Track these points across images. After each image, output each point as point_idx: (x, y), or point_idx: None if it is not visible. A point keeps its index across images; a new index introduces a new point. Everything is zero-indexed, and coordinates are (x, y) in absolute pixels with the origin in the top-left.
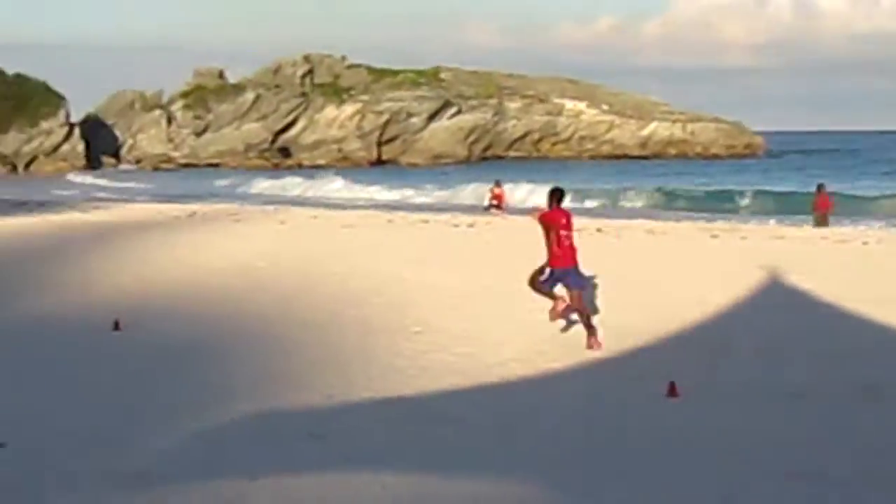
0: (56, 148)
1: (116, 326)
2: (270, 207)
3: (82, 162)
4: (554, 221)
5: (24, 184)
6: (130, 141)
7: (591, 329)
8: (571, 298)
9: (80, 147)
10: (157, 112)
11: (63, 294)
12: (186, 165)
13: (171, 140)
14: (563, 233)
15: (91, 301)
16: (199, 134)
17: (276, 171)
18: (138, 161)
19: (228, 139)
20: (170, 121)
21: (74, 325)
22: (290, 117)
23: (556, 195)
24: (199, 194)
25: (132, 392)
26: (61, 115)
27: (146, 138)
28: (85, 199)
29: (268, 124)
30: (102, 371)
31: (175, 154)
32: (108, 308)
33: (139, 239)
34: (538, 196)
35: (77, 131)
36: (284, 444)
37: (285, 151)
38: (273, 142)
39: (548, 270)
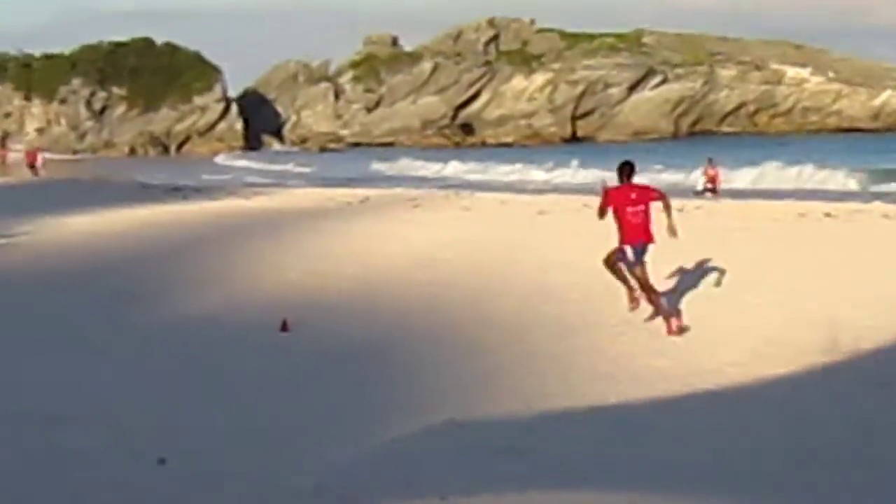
0: (211, 126)
1: (284, 327)
2: (452, 192)
3: (240, 142)
4: (620, 199)
5: (175, 167)
6: (294, 118)
7: (663, 311)
8: (635, 275)
9: (238, 125)
10: (324, 85)
11: (225, 290)
12: (356, 145)
13: (339, 116)
14: (629, 209)
15: (256, 298)
16: (370, 109)
17: (457, 150)
18: (303, 140)
19: (403, 115)
20: (338, 95)
21: (238, 326)
22: (473, 90)
23: (626, 170)
24: (371, 178)
25: (303, 400)
26: (217, 89)
27: (311, 115)
28: (244, 184)
29: (447, 98)
30: (270, 376)
31: (344, 132)
32: (275, 306)
33: (308, 229)
34: (766, 179)
35: (234, 108)
36: (479, 460)
37: (467, 128)
38: (454, 118)
39: (621, 249)
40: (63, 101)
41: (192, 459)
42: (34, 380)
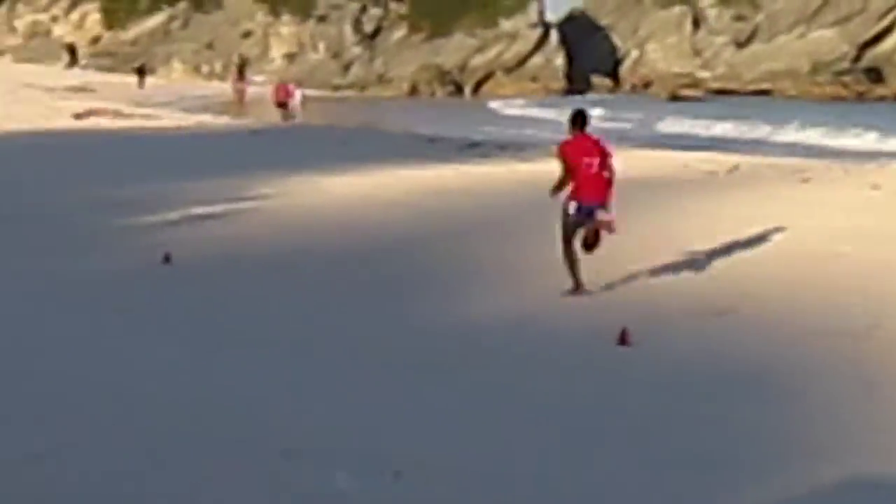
0: (522, 61)
1: (623, 340)
2: (854, 163)
3: (561, 83)
4: (574, 151)
5: (470, 114)
6: (635, 53)
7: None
8: (588, 231)
9: (559, 60)
10: (678, 9)
11: (539, 285)
12: (721, 92)
13: (697, 53)
14: (585, 160)
15: (585, 300)
16: (740, 45)
17: (860, 103)
18: (646, 84)
19: (786, 53)
20: (697, 23)
21: (569, 335)
22: (886, 21)
23: (578, 119)
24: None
25: (651, 435)
26: (532, 10)
27: (659, 49)
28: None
29: (849, 31)
30: (604, 401)
31: (703, 74)
32: (615, 311)
33: (656, 207)
34: None
35: (554, 36)
36: None
37: (874, 74)
38: (856, 59)
39: (573, 204)
40: (322, 19)
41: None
42: (283, 405)
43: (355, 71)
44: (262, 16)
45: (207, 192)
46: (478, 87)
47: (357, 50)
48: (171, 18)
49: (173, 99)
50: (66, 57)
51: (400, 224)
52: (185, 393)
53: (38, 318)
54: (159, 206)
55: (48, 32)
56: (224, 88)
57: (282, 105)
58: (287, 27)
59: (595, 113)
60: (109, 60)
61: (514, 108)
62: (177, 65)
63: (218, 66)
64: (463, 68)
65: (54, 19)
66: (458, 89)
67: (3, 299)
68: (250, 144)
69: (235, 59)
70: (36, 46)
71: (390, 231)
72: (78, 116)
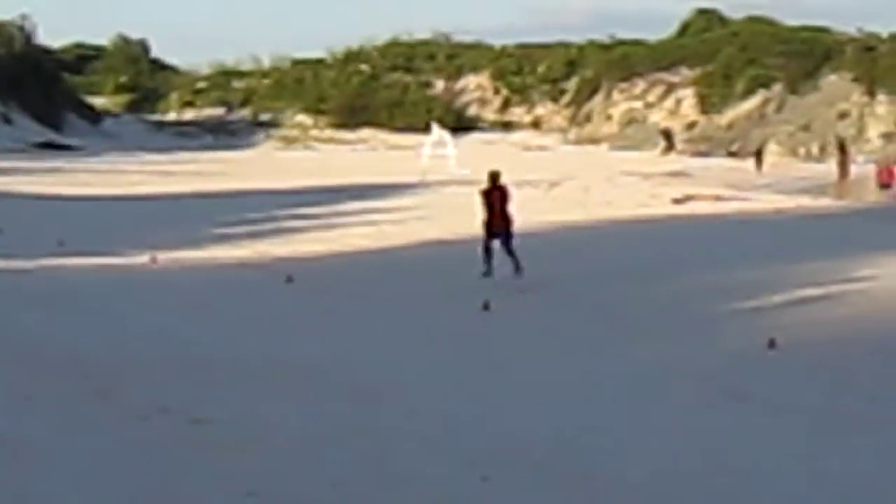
0: None
1: None
2: None
3: None
4: (492, 197)
5: None
6: None
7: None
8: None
9: None
10: None
11: None
12: None
13: None
14: (496, 205)
15: None
16: None
17: None
18: None
19: None
20: None
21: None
22: None
23: (493, 177)
24: None
25: None
26: None
27: None
28: None
29: None
30: None
31: None
32: None
33: None
34: None
35: None
36: None
37: None
38: None
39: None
40: None
41: None
42: None
43: None
44: (857, 96)
45: (808, 274)
46: None
47: None
48: (766, 101)
49: (771, 181)
50: (661, 143)
51: None
52: None
53: (639, 401)
54: (761, 291)
55: (644, 119)
56: (822, 170)
57: (885, 186)
58: (883, 106)
59: None
60: (705, 145)
61: None
62: (773, 147)
63: (814, 148)
64: None
65: (650, 106)
66: None
67: (606, 381)
68: (855, 227)
69: (832, 139)
70: (631, 134)
71: None
72: (677, 202)
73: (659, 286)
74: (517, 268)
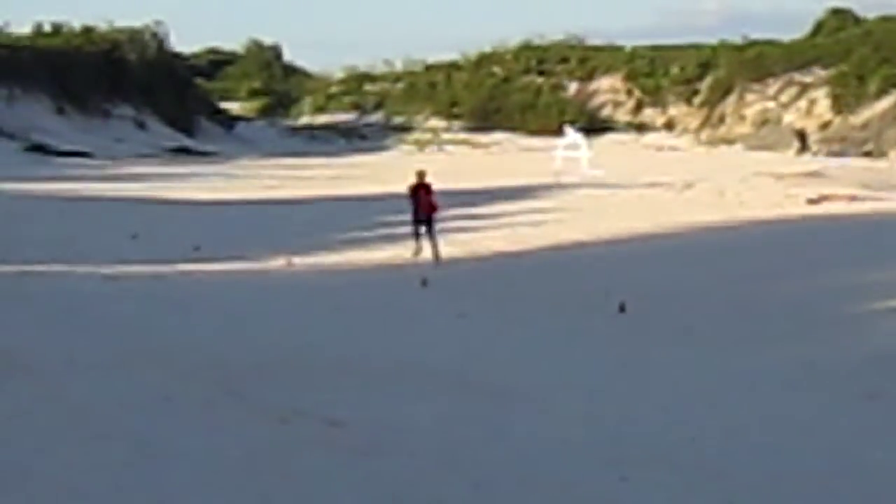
0: None
1: None
2: None
3: None
4: (418, 192)
5: None
6: None
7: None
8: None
9: None
10: None
11: None
12: None
13: None
14: (422, 198)
15: None
16: None
17: None
18: None
19: None
20: None
21: None
22: None
23: (419, 175)
24: None
25: None
26: None
27: None
28: None
29: None
30: None
31: None
32: None
33: None
34: None
35: None
36: None
37: None
38: None
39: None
40: None
41: None
42: None
43: None
44: None
45: None
46: None
47: None
48: None
49: None
50: (795, 143)
51: None
52: None
53: (776, 402)
54: None
55: (778, 120)
56: None
57: None
58: None
59: None
60: (839, 145)
61: None
62: None
63: None
64: None
65: (783, 106)
66: None
67: (743, 382)
68: None
69: None
70: (765, 134)
71: None
72: (812, 202)
73: (794, 286)
74: (436, 256)
